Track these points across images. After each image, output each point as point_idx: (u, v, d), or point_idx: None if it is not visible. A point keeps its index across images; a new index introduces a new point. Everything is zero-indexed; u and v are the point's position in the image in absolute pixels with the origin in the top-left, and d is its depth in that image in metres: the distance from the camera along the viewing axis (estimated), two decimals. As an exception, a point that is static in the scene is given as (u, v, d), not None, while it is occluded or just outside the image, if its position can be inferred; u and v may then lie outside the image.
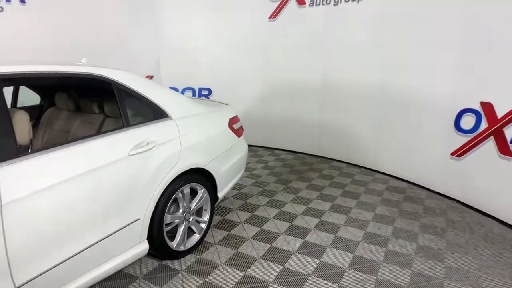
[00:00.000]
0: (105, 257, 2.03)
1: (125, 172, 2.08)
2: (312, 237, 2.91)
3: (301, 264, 2.54)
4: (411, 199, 3.69)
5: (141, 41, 5.57)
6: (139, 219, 2.20)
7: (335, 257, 2.62)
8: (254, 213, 3.34)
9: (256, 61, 5.35)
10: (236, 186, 3.96)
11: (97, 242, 1.94)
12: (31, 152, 1.70)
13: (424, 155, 3.88)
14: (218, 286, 2.30)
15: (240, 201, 3.63)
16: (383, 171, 4.45)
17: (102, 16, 5.43)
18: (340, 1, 4.45)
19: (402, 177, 4.22)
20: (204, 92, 5.77)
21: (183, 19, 5.55)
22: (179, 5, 5.52)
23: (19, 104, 2.94)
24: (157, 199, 2.30)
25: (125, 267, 2.45)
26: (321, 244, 2.80)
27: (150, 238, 2.32)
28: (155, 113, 2.42)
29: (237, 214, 3.33)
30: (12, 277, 1.59)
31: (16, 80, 1.86)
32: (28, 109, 3.06)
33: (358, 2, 4.29)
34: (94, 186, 1.90)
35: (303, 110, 5.14)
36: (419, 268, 2.50)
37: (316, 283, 2.33)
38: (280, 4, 5.02)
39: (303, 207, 3.47)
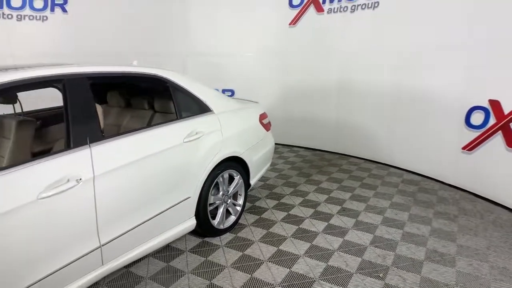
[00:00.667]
0: (163, 228, 2.40)
1: (180, 155, 2.45)
2: (335, 221, 3.23)
3: (326, 242, 2.86)
4: (425, 190, 3.98)
5: (170, 44, 5.97)
6: (190, 197, 2.57)
7: (357, 237, 2.94)
8: (280, 201, 3.68)
9: (277, 64, 5.71)
10: (262, 179, 4.30)
11: (159, 214, 2.31)
12: (110, 137, 2.08)
13: (437, 150, 4.16)
14: (256, 258, 2.64)
15: (266, 191, 3.97)
16: (398, 166, 4.74)
17: (134, 21, 5.87)
18: (357, 8, 4.79)
19: (416, 171, 4.51)
20: (227, 93, 6.14)
21: (208, 24, 5.94)
22: (205, 10, 5.91)
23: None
24: (203, 181, 2.66)
25: (173, 242, 2.81)
26: (344, 226, 3.12)
27: (196, 215, 2.68)
28: (200, 107, 2.79)
29: (265, 202, 3.67)
30: (98, 237, 1.96)
31: (99, 79, 2.24)
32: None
33: (373, 9, 4.62)
34: (158, 166, 2.28)
35: (321, 110, 5.47)
36: (433, 246, 2.80)
37: (341, 256, 2.65)
38: (300, 11, 5.38)
39: (325, 196, 3.80)
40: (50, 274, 1.76)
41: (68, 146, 1.88)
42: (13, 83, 1.76)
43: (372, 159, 5.09)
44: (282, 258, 2.63)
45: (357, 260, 2.61)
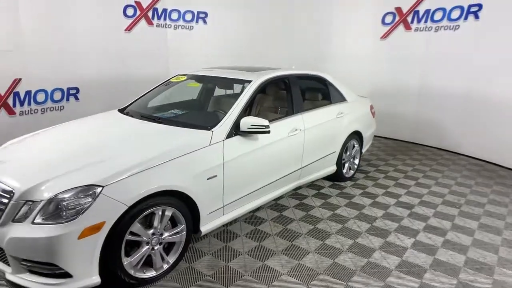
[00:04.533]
0: (322, 166, 4.07)
1: (334, 125, 4.10)
2: (422, 181, 4.71)
3: (418, 190, 4.37)
4: (488, 170, 5.30)
5: (283, 51, 7.68)
6: (335, 151, 4.21)
7: (438, 189, 4.41)
8: (378, 168, 5.22)
9: (368, 68, 7.18)
10: (359, 154, 5.83)
11: (322, 158, 3.98)
12: (306, 110, 3.76)
13: (499, 141, 5.44)
14: (373, 193, 4.22)
15: (366, 162, 5.52)
16: (465, 154, 6.05)
17: (256, 32, 7.66)
18: (440, 29, 6.15)
19: (481, 158, 5.80)
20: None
21: (321, 35, 7.58)
22: (319, 25, 7.55)
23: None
24: (341, 144, 4.29)
25: (317, 181, 4.47)
26: (428, 184, 4.59)
27: (336, 164, 4.32)
28: (341, 97, 4.42)
29: (367, 168, 5.22)
30: (301, 162, 3.66)
31: (299, 77, 3.92)
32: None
33: (454, 30, 5.96)
34: (325, 129, 3.95)
35: (403, 107, 6.86)
36: (493, 198, 4.19)
37: (430, 197, 4.15)
38: (390, 28, 6.82)
39: (410, 168, 5.27)
40: (284, 176, 3.48)
41: (293, 112, 3.59)
42: (271, 78, 3.50)
43: (444, 148, 6.42)
44: (391, 195, 4.19)
45: (440, 199, 4.10)
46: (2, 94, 5.21)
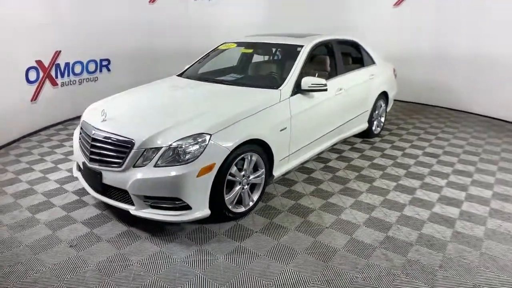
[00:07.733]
0: (356, 124, 4.54)
1: (367, 86, 4.54)
2: (441, 135, 5.23)
3: (440, 143, 4.90)
4: (496, 125, 5.85)
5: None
6: (367, 110, 4.68)
7: (456, 142, 4.94)
8: (399, 126, 5.72)
9: (382, 35, 7.50)
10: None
11: (356, 116, 4.44)
12: (345, 72, 4.18)
13: (505, 99, 5.95)
14: (401, 146, 4.74)
15: (387, 122, 5.99)
16: (474, 112, 6.58)
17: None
18: (452, -5, 6.51)
19: (489, 115, 6.33)
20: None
21: (336, 8, 7.85)
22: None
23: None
24: (373, 103, 4.74)
25: (349, 138, 4.95)
26: (446, 138, 5.12)
27: (368, 122, 4.80)
28: (371, 61, 4.83)
29: (391, 126, 5.72)
30: (344, 118, 4.12)
31: (340, 42, 4.30)
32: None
33: (466, -5, 6.32)
34: (361, 89, 4.39)
35: (416, 71, 7.28)
36: (505, 147, 4.74)
37: (447, 143, 4.69)
38: (404, -5, 7.14)
39: (427, 125, 5.79)
40: (332, 130, 3.94)
41: (336, 74, 4.02)
42: (319, 42, 3.89)
43: (454, 108, 6.93)
44: (417, 147, 4.71)
45: (460, 149, 4.63)
46: (46, 66, 5.48)
